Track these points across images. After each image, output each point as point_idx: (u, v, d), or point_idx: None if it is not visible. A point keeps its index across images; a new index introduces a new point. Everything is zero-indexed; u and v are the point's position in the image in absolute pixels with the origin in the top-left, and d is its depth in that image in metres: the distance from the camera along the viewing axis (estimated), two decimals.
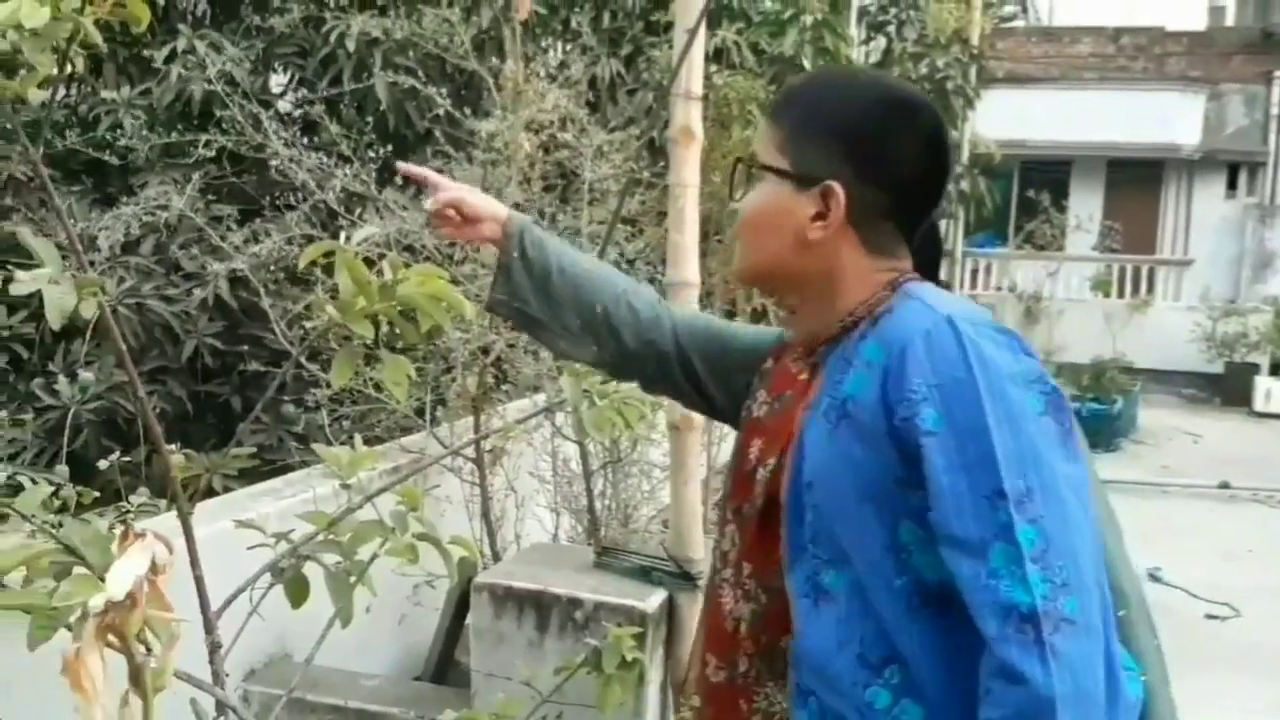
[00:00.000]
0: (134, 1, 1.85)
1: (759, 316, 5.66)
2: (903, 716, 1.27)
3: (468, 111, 3.78)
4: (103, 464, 3.30)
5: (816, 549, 1.35)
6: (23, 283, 1.80)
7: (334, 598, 2.17)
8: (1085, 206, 16.93)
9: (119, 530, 1.75)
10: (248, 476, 3.71)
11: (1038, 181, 16.05)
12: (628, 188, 2.91)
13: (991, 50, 10.89)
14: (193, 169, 4.60)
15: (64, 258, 1.95)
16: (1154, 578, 5.87)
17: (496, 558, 3.46)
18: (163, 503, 2.73)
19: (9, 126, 1.92)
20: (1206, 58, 17.78)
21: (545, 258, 1.85)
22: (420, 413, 3.53)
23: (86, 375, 4.72)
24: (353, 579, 2.15)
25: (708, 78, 5.16)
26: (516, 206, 3.63)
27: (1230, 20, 19.46)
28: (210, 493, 3.54)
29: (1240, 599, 5.59)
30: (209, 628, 2.09)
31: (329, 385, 3.30)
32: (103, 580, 1.60)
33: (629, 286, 1.86)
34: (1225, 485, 8.80)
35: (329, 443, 3.06)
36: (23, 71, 1.83)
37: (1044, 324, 14.04)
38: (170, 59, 5.06)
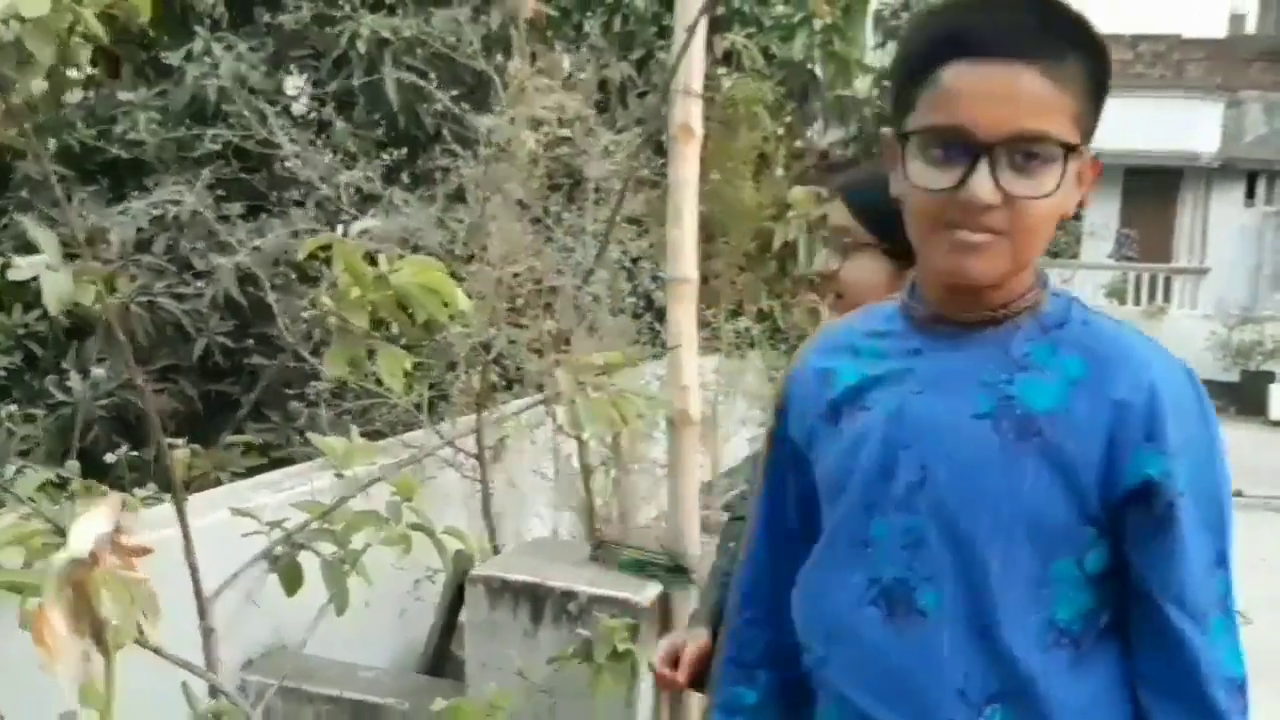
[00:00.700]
0: None
1: (765, 317, 5.68)
2: None
3: (467, 108, 3.80)
4: (110, 458, 3.34)
5: (914, 558, 1.21)
6: (20, 269, 1.84)
7: (328, 585, 2.20)
8: (1101, 214, 16.86)
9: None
10: (258, 474, 3.75)
11: None
12: (627, 185, 2.93)
13: None
14: (204, 166, 4.64)
15: (75, 255, 1.99)
16: None
17: (497, 553, 3.48)
18: (168, 496, 2.76)
19: (27, 126, 1.96)
20: (1225, 65, 17.69)
21: None
22: (422, 408, 3.56)
23: (98, 372, 4.77)
24: (346, 567, 2.18)
25: (716, 80, 5.20)
26: (519, 204, 3.66)
27: (1251, 28, 19.34)
28: (218, 486, 3.57)
29: (1253, 608, 5.53)
30: (203, 613, 2.12)
31: (332, 379, 3.33)
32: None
33: None
34: (1239, 494, 8.71)
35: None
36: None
37: None
38: (187, 59, 5.11)
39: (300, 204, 3.55)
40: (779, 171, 6.05)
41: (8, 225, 4.77)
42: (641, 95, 6.09)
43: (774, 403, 1.43)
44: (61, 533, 1.85)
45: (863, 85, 7.12)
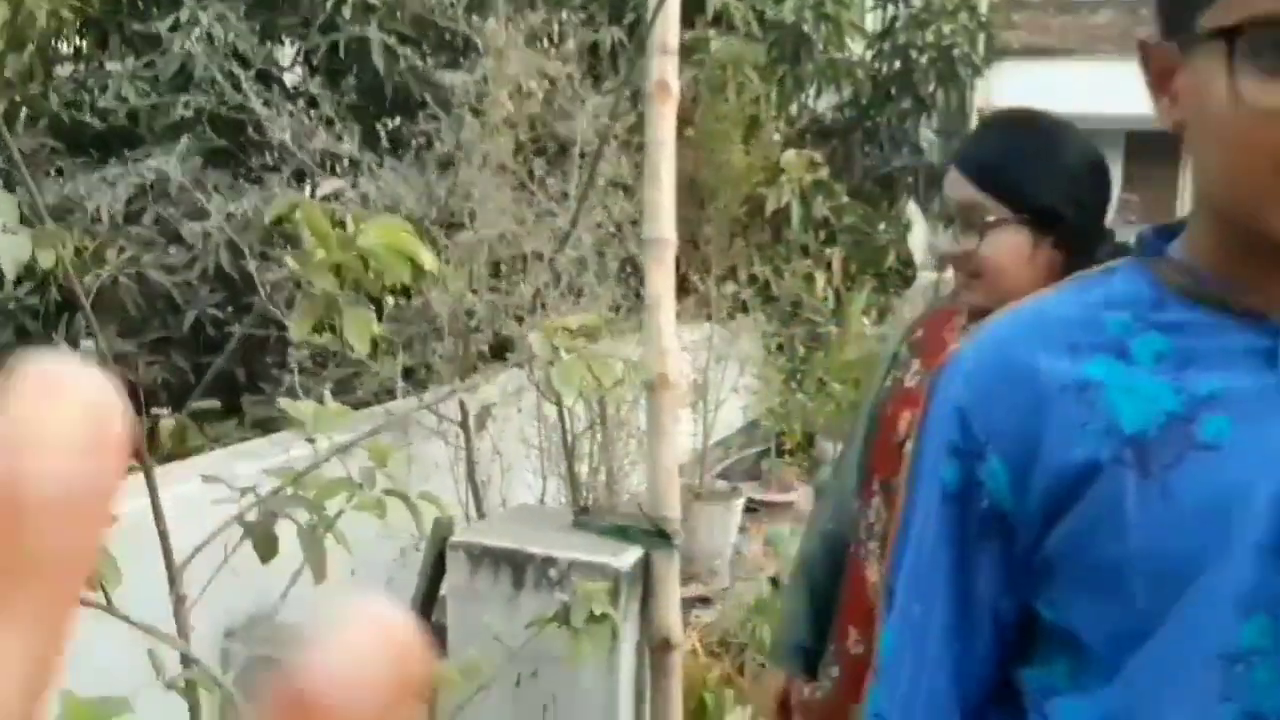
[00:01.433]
0: None
1: (755, 281, 5.65)
2: None
3: (451, 72, 3.76)
4: None
5: (1048, 586, 0.90)
6: None
7: (305, 552, 2.18)
8: None
9: None
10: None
11: None
12: (605, 144, 2.89)
13: (1007, 22, 10.78)
14: (188, 132, 4.61)
15: (68, 228, 1.97)
16: None
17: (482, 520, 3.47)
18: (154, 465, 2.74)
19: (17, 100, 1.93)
20: None
21: None
22: (412, 374, 3.54)
23: (87, 345, 4.75)
24: (320, 532, 2.16)
25: (704, 41, 5.14)
26: (501, 169, 3.63)
27: None
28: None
29: None
30: (173, 581, 2.10)
31: (310, 346, 3.31)
32: None
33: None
34: None
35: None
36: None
37: None
38: (174, 29, 5.07)
39: (275, 169, 3.51)
40: (774, 136, 6.01)
41: None
42: (633, 61, 6.04)
43: (931, 426, 0.98)
44: None
45: (856, 48, 7.05)
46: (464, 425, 3.49)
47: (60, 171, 5.07)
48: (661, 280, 2.61)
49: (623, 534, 2.71)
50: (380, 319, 3.24)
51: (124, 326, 4.84)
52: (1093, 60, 17.29)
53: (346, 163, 3.74)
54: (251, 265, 3.32)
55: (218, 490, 2.17)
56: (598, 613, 2.21)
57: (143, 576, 1.86)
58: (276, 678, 0.21)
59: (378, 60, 4.76)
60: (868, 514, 1.82)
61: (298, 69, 5.48)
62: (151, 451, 2.42)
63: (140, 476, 2.50)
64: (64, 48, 5.86)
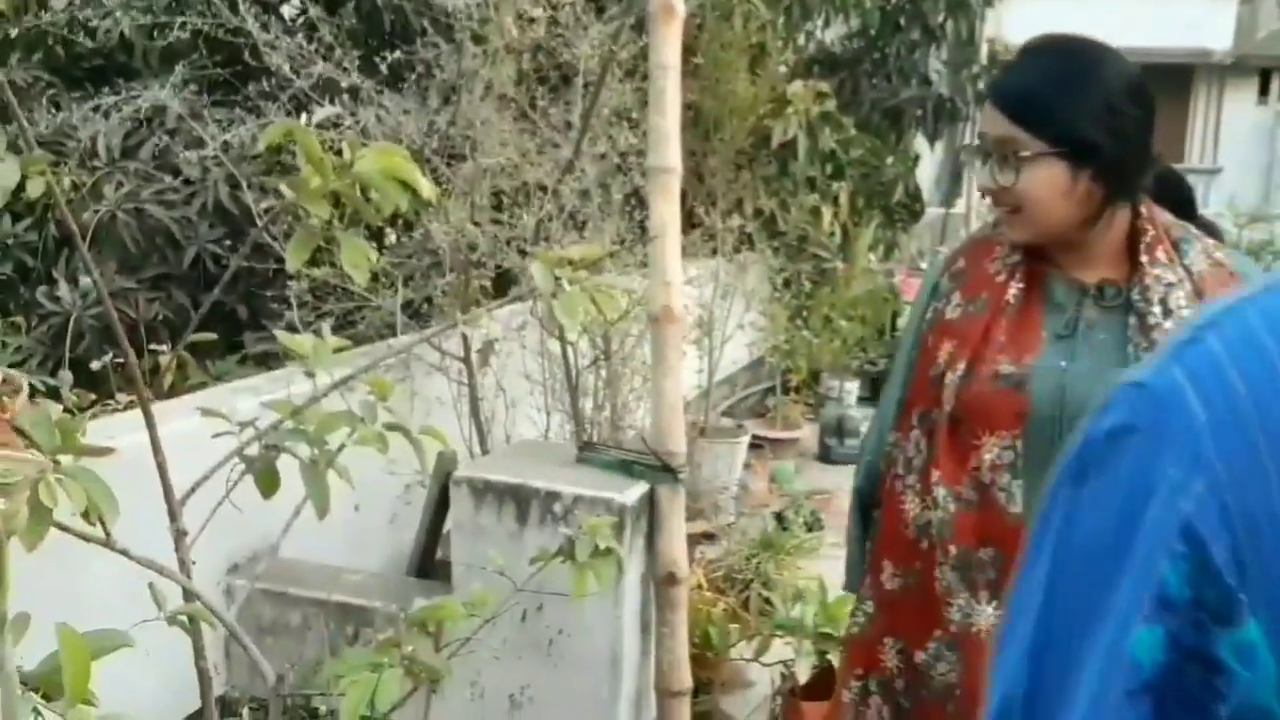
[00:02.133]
0: None
1: (760, 215, 5.57)
2: None
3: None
4: (95, 365, 3.30)
5: None
6: None
7: (307, 487, 2.15)
8: None
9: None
10: None
11: None
12: (608, 69, 2.81)
13: None
14: (183, 60, 4.53)
15: (64, 161, 1.91)
16: None
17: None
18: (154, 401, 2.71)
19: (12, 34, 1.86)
20: None
21: None
22: (410, 312, 3.49)
23: (86, 281, 4.71)
24: (321, 466, 2.13)
25: None
26: (503, 98, 3.55)
27: None
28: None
29: None
30: (173, 515, 2.08)
31: (309, 280, 3.26)
32: (56, 462, 1.58)
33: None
34: None
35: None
36: None
37: None
38: None
39: (273, 96, 3.43)
40: (781, 67, 5.89)
41: None
42: None
43: (1120, 509, 0.57)
44: (20, 433, 1.80)
45: None
46: (466, 361, 3.45)
47: (57, 106, 5.00)
48: (666, 210, 2.55)
49: (627, 469, 2.68)
50: (380, 252, 3.20)
51: (123, 263, 4.79)
52: None
53: (346, 95, 3.66)
54: (249, 197, 3.26)
55: (217, 426, 2.14)
56: (603, 547, 2.18)
57: (142, 512, 1.84)
58: None
59: None
60: (906, 448, 1.79)
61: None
62: (152, 388, 2.39)
63: (138, 412, 2.47)
64: None
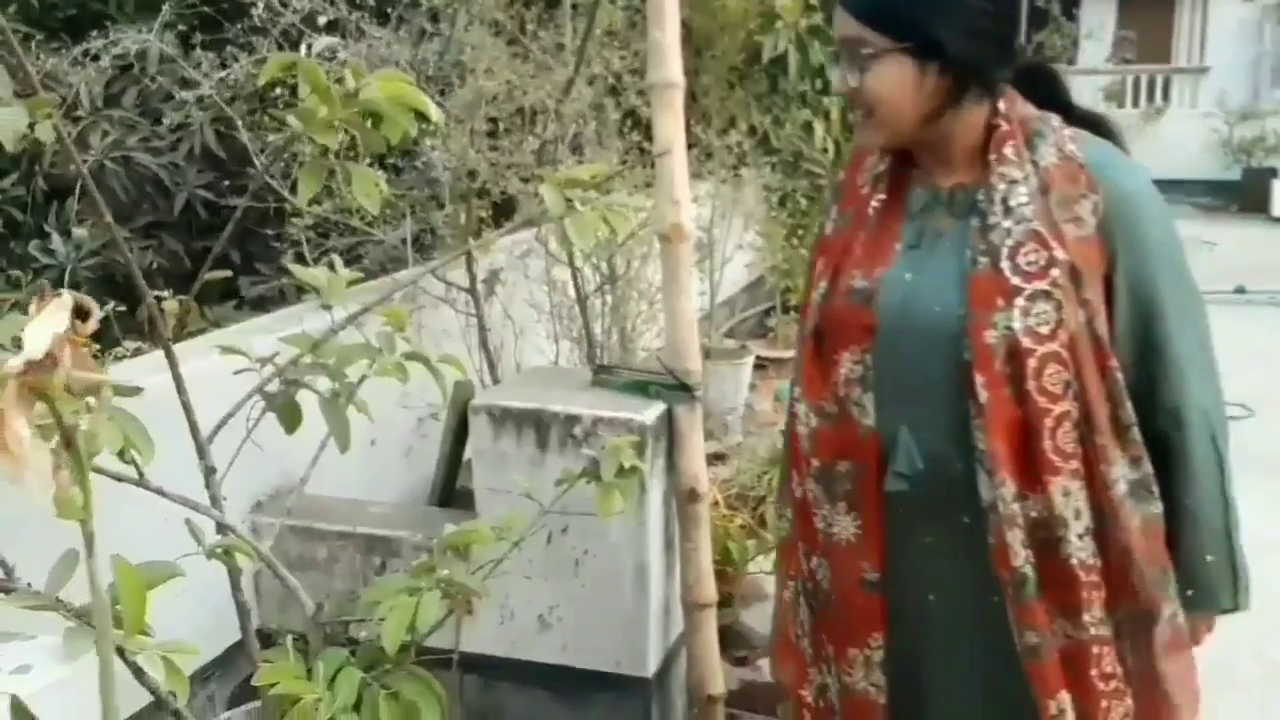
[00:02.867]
0: None
1: (754, 132, 5.53)
2: None
3: None
4: (96, 314, 3.29)
5: None
6: None
7: (328, 421, 2.16)
8: (1097, 15, 16.37)
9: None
10: None
11: None
12: None
13: None
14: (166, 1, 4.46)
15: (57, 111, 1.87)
16: None
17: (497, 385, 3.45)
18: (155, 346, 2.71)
19: None
20: None
21: None
22: (420, 244, 3.47)
23: (80, 233, 4.68)
24: (343, 401, 2.14)
25: None
26: (493, 24, 3.49)
27: None
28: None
29: (1255, 401, 5.56)
30: (201, 452, 2.09)
31: (310, 214, 3.24)
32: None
33: None
34: (1241, 290, 8.71)
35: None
36: None
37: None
38: None
39: (263, 30, 3.37)
40: None
41: None
42: None
43: None
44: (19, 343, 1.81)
45: None
46: (473, 291, 3.44)
47: (37, 58, 4.92)
48: (671, 125, 2.53)
49: (642, 389, 2.69)
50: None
51: (114, 212, 4.75)
52: None
53: (338, 32, 3.60)
54: (245, 137, 3.22)
55: (233, 367, 2.14)
56: (627, 466, 2.20)
57: (166, 452, 1.84)
58: None
59: None
60: (801, 363, 1.81)
61: None
62: (155, 336, 2.38)
63: (151, 357, 2.46)
64: None
